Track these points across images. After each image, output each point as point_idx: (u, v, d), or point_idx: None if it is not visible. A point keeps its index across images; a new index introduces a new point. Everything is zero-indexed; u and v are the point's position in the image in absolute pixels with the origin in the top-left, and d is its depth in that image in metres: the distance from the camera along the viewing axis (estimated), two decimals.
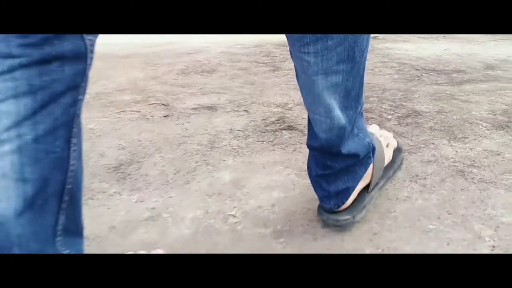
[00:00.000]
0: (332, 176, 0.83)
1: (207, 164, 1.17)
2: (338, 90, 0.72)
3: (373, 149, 0.87)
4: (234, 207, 0.95)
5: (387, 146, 0.98)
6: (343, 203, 0.85)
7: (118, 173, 1.11)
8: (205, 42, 3.31)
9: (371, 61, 2.60)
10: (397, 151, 1.01)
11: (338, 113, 0.75)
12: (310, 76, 0.70)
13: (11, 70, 0.44)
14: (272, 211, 0.93)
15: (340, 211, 0.85)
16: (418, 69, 2.39)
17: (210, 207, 0.94)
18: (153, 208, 0.94)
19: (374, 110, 1.64)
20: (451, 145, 1.32)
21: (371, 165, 0.87)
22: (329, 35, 0.65)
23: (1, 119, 0.45)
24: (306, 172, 1.13)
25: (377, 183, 0.92)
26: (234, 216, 0.91)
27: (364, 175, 0.87)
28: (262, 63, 2.54)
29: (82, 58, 0.49)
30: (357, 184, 0.86)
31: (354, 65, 0.70)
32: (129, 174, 1.10)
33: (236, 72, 2.30)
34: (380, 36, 3.56)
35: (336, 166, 0.82)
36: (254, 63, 2.54)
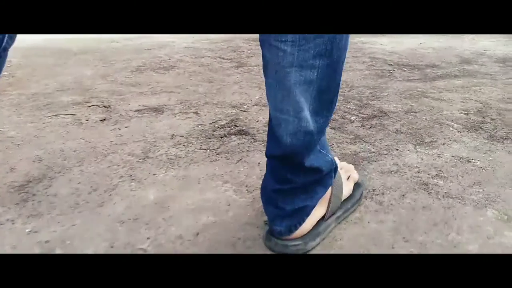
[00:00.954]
0: (290, 192, 0.75)
1: (133, 179, 0.99)
2: (310, 89, 0.67)
3: (336, 168, 0.81)
4: (148, 238, 0.77)
5: (347, 179, 0.90)
6: (297, 227, 0.75)
7: (21, 193, 0.92)
8: (171, 36, 3.11)
9: None
10: (358, 185, 0.92)
11: (307, 115, 0.68)
12: (284, 67, 0.64)
13: None
14: (193, 242, 0.76)
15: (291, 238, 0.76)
16: (391, 64, 2.24)
17: (118, 239, 0.77)
18: (47, 241, 0.76)
19: (337, 111, 1.48)
20: (416, 151, 1.16)
21: (330, 188, 0.81)
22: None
23: None
24: (247, 187, 0.96)
25: (334, 213, 0.82)
26: (144, 250, 0.74)
27: (323, 197, 0.79)
28: (227, 59, 2.36)
29: None
30: (315, 204, 0.78)
31: (331, 63, 0.66)
32: (34, 195, 0.91)
33: (196, 69, 2.11)
34: None
35: (297, 181, 0.74)
36: (218, 59, 2.36)
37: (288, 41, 0.63)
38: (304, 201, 0.75)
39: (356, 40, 3.00)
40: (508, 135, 1.28)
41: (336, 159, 0.97)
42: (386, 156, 1.13)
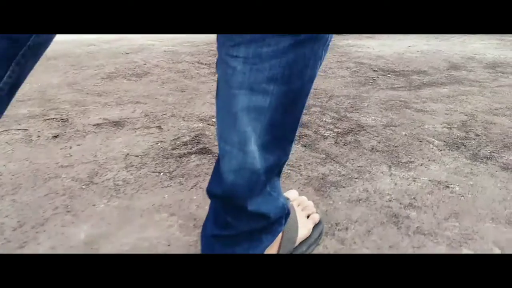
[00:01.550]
0: (230, 240, 0.65)
1: (68, 211, 0.88)
2: (261, 118, 0.57)
3: (287, 214, 0.70)
4: None
5: (307, 217, 0.81)
6: None
7: None
8: (150, 39, 2.99)
9: (326, 60, 2.33)
10: (317, 224, 0.81)
11: (253, 149, 0.58)
12: (231, 88, 0.55)
13: None
14: None
15: None
16: (376, 70, 2.13)
17: None
18: None
19: (311, 125, 1.37)
20: (390, 174, 1.05)
21: (280, 234, 0.71)
22: (267, 40, 0.52)
23: None
24: (196, 221, 0.85)
25: None
26: None
27: (270, 246, 0.69)
28: (205, 64, 2.24)
29: None
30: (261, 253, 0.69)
31: (289, 92, 0.56)
32: None
33: (170, 76, 2.00)
34: None
35: (239, 227, 0.64)
36: (196, 64, 2.24)
37: (240, 57, 0.54)
38: (246, 251, 0.65)
39: (343, 43, 2.88)
40: (492, 154, 1.17)
41: (293, 192, 0.87)
42: (357, 180, 1.02)
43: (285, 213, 0.69)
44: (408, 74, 2.06)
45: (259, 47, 0.53)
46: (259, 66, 0.54)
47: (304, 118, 1.43)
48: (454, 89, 1.81)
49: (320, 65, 0.60)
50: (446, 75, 2.04)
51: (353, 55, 2.50)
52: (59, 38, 3.12)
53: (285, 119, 0.58)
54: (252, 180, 0.60)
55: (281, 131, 0.59)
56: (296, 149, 1.18)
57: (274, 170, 0.63)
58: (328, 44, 0.60)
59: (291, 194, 0.85)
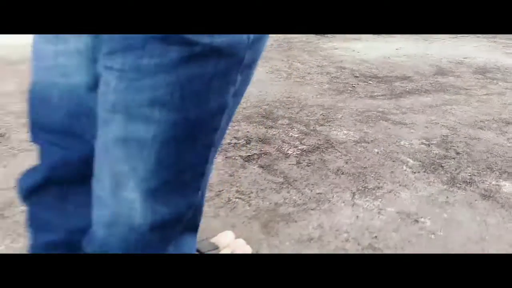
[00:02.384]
0: None
1: None
2: (143, 155, 0.43)
3: None
4: None
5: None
6: None
7: None
8: None
9: (307, 64, 2.18)
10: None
11: (132, 197, 0.44)
12: (104, 110, 0.43)
13: None
14: None
15: None
16: (357, 76, 1.98)
17: None
18: None
19: (274, 141, 1.22)
20: (353, 204, 0.91)
21: None
22: (148, 47, 0.39)
23: None
24: None
25: None
26: None
27: None
28: None
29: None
30: None
31: (183, 121, 0.42)
32: None
33: None
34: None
35: None
36: None
37: (114, 69, 0.41)
38: None
39: (327, 46, 2.73)
40: (473, 177, 1.02)
41: (229, 234, 0.72)
42: (313, 212, 0.87)
43: None
44: (391, 80, 1.92)
45: (138, 57, 0.40)
46: (138, 83, 0.40)
47: (269, 132, 1.28)
48: (438, 97, 1.66)
49: (238, 93, 0.45)
50: (432, 82, 1.89)
51: (336, 58, 2.35)
52: (25, 40, 2.91)
53: (182, 158, 0.44)
54: (130, 240, 0.45)
55: (176, 174, 0.45)
56: (251, 171, 1.04)
57: (175, 227, 0.48)
58: (250, 66, 0.45)
59: (224, 239, 0.71)
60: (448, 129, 1.33)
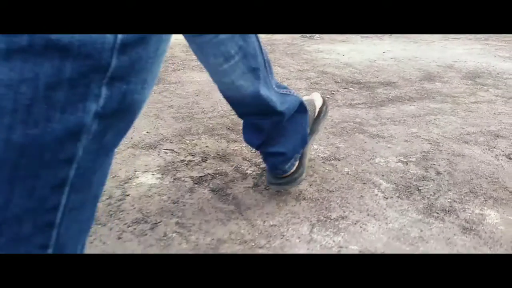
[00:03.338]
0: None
1: None
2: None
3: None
4: None
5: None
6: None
7: None
8: None
9: (287, 68, 2.04)
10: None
11: None
12: None
13: None
14: None
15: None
16: (338, 82, 1.84)
17: None
18: None
19: (234, 158, 1.08)
20: (310, 240, 0.76)
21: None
22: None
23: None
24: None
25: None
26: None
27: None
28: None
29: None
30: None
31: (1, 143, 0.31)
32: None
33: None
34: (317, 35, 3.00)
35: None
36: None
37: None
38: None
39: (312, 48, 2.59)
40: (453, 204, 0.88)
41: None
42: (261, 251, 0.73)
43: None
44: (374, 86, 1.77)
45: None
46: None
47: (230, 147, 1.14)
48: (422, 106, 1.52)
49: (109, 116, 0.32)
50: (417, 88, 1.75)
51: (319, 62, 2.21)
52: None
53: (15, 201, 0.32)
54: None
55: (9, 223, 0.32)
56: (200, 197, 0.89)
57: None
58: (128, 80, 0.32)
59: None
60: (430, 143, 1.18)
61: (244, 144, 1.15)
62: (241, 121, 0.84)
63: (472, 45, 2.74)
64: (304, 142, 0.87)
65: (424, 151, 1.13)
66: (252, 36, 0.70)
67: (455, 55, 2.41)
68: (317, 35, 2.97)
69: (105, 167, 0.37)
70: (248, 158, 1.08)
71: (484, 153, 1.12)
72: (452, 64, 2.17)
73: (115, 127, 0.34)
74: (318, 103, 1.01)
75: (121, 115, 0.33)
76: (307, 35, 2.95)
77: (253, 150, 1.13)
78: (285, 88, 0.82)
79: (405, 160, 1.08)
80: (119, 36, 0.29)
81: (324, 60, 2.24)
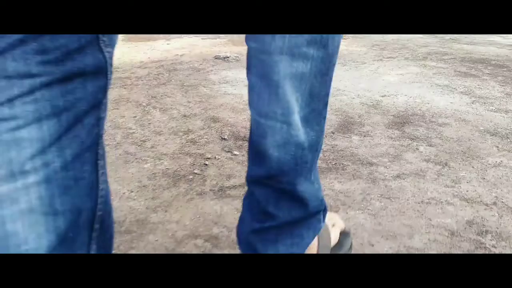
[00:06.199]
0: (272, 233, 0.62)
1: None
2: (302, 88, 0.55)
3: (325, 210, 0.67)
4: None
5: (332, 226, 0.72)
6: None
7: None
8: None
9: (168, 113, 1.50)
10: (345, 234, 0.74)
11: (297, 120, 0.56)
12: (271, 55, 0.52)
13: (31, 91, 0.37)
14: None
15: None
16: (225, 138, 1.32)
17: None
18: None
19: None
20: None
21: (317, 238, 0.65)
22: None
23: (24, 148, 0.38)
24: None
25: None
26: None
27: (310, 246, 0.64)
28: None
29: (103, 72, 0.42)
30: (303, 252, 0.64)
31: (326, 58, 0.55)
32: None
33: None
34: (234, 55, 2.49)
35: (279, 217, 0.61)
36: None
37: None
38: (290, 248, 0.62)
39: (217, 77, 2.05)
40: None
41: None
42: None
43: (323, 208, 0.66)
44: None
45: None
46: None
47: None
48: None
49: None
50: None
51: (216, 101, 1.68)
52: None
53: (321, 90, 0.56)
54: (298, 156, 0.57)
55: (316, 102, 0.57)
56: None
57: (316, 150, 0.60)
58: None
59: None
60: None
61: None
62: None
63: (408, 67, 2.31)
64: None
65: None
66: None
67: (386, 84, 1.97)
68: (234, 55, 2.46)
69: None
70: None
71: None
72: (380, 101, 1.71)
73: None
74: (334, 234, 0.73)
75: None
76: (221, 56, 2.43)
77: None
78: None
79: None
80: None
81: (223, 98, 1.72)
